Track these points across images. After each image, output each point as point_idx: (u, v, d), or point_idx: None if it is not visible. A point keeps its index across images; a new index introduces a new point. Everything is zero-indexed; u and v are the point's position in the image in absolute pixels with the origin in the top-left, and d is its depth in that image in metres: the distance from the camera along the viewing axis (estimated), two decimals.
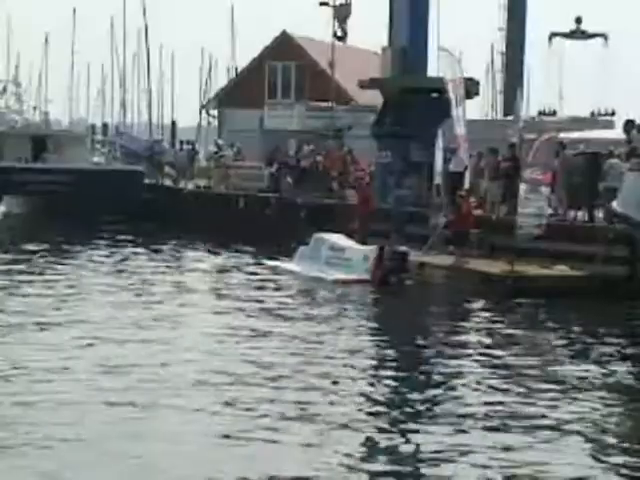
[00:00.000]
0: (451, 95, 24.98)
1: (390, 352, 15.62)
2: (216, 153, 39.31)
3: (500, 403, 12.27)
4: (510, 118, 29.90)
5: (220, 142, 41.43)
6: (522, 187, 21.80)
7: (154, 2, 75.65)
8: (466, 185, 24.70)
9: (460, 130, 24.65)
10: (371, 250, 22.88)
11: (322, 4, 35.28)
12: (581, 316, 18.74)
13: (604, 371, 14.29)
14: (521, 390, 12.96)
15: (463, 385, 13.16)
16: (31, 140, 39.80)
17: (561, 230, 22.35)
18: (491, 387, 13.12)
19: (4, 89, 47.97)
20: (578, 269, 21.30)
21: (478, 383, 13.20)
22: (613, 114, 34.61)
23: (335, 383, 13.02)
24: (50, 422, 10.76)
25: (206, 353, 14.67)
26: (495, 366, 14.48)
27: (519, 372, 14.11)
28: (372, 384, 13.37)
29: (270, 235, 28.53)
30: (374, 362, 14.92)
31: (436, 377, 13.79)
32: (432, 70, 28.72)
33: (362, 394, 12.62)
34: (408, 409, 11.85)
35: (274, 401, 11.86)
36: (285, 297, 20.50)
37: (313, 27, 64.25)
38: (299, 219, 27.89)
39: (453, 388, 13.03)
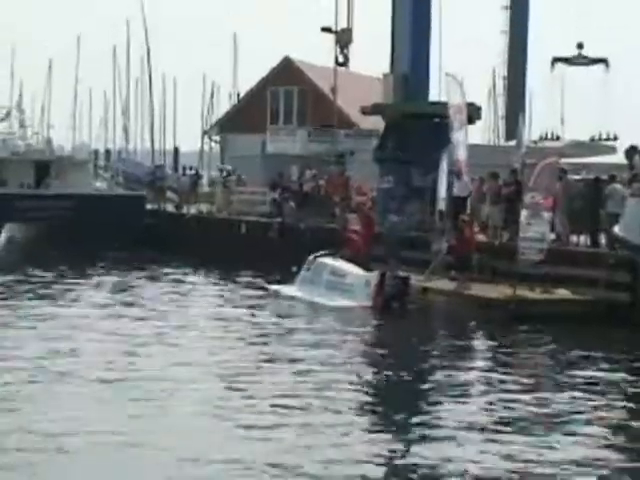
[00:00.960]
0: (452, 119, 24.98)
1: (391, 377, 15.56)
2: (222, 175, 39.45)
3: (500, 423, 12.30)
4: (512, 143, 29.88)
5: (228, 167, 41.56)
6: (523, 212, 21.76)
7: (156, 29, 76.23)
8: (468, 210, 24.70)
9: (461, 155, 24.63)
10: (373, 276, 22.84)
11: (324, 30, 35.27)
12: (583, 341, 18.63)
13: (605, 397, 14.26)
14: (521, 414, 12.97)
15: (464, 409, 13.12)
16: (34, 166, 39.85)
17: (563, 255, 22.29)
18: (492, 411, 13.10)
19: (8, 115, 48.05)
20: (580, 294, 21.25)
21: (481, 420, 13.13)
22: (616, 139, 34.62)
23: (337, 411, 12.97)
24: None
25: (210, 382, 14.68)
26: (497, 390, 14.44)
27: (520, 396, 14.04)
28: (371, 410, 13.29)
29: (272, 260, 28.48)
30: (374, 389, 14.87)
31: (439, 402, 13.70)
32: (433, 96, 28.82)
33: (361, 420, 12.57)
34: (408, 436, 11.79)
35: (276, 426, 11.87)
36: (285, 322, 20.44)
37: (315, 53, 64.37)
38: (304, 247, 27.77)
39: (455, 413, 12.97)
